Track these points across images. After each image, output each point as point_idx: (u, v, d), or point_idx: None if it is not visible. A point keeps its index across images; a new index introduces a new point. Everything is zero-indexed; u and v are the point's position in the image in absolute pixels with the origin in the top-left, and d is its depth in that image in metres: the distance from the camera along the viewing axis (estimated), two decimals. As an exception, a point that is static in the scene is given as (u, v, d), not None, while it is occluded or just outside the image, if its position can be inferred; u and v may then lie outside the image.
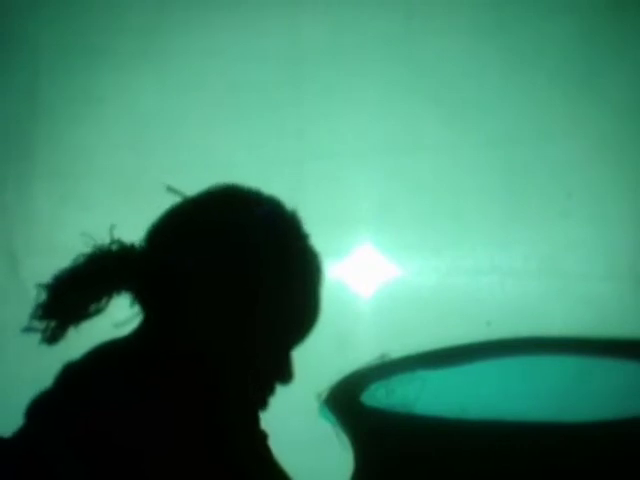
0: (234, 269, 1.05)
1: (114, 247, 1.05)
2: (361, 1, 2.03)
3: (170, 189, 1.08)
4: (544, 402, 1.74)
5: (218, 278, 1.05)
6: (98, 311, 1.03)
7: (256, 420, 1.13)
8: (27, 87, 2.07)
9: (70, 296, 1.02)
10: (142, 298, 1.07)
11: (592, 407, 1.67)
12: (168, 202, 1.10)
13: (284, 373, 1.10)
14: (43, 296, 1.02)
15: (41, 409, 1.02)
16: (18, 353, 1.66)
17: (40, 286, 1.02)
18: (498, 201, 2.00)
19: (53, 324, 1.02)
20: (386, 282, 1.99)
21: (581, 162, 2.00)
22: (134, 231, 1.08)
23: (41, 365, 1.05)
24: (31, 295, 1.04)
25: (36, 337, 1.04)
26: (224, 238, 1.06)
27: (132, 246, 1.07)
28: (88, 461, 0.95)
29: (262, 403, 1.11)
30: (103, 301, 1.03)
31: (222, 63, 2.01)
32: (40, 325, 1.03)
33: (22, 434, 1.02)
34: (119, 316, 1.06)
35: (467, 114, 2.01)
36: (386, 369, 1.83)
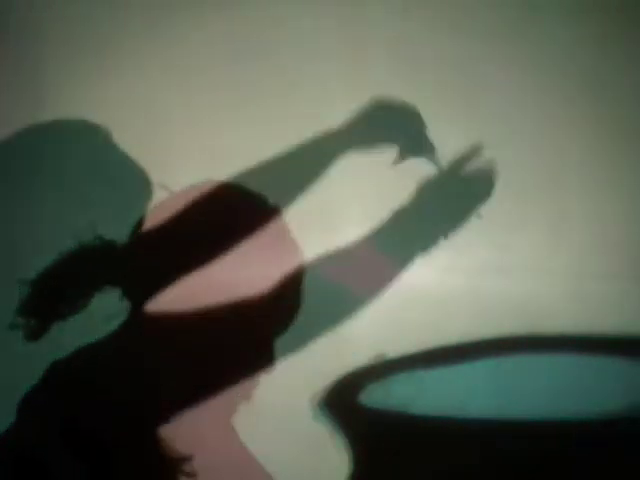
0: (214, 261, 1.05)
1: (96, 243, 1.05)
2: (361, 1, 2.03)
3: (161, 186, 1.08)
4: (542, 400, 1.74)
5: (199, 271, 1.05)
6: (80, 307, 1.03)
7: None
8: (28, 87, 2.07)
9: (50, 293, 1.02)
10: (127, 292, 1.08)
11: (590, 405, 1.67)
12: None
13: (266, 360, 1.10)
14: (25, 293, 1.02)
15: (33, 408, 1.02)
16: (19, 353, 1.67)
17: (22, 282, 1.03)
18: (498, 201, 2.00)
19: (33, 321, 1.02)
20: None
21: (581, 162, 2.00)
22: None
23: (43, 364, 1.06)
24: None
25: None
26: (207, 232, 1.06)
27: (113, 242, 1.07)
28: (83, 459, 0.95)
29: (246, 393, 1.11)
30: (85, 297, 1.03)
31: (222, 63, 2.02)
32: (22, 322, 1.03)
33: (15, 433, 1.02)
34: (107, 312, 1.06)
35: (467, 114, 2.01)
36: (384, 369, 1.83)
